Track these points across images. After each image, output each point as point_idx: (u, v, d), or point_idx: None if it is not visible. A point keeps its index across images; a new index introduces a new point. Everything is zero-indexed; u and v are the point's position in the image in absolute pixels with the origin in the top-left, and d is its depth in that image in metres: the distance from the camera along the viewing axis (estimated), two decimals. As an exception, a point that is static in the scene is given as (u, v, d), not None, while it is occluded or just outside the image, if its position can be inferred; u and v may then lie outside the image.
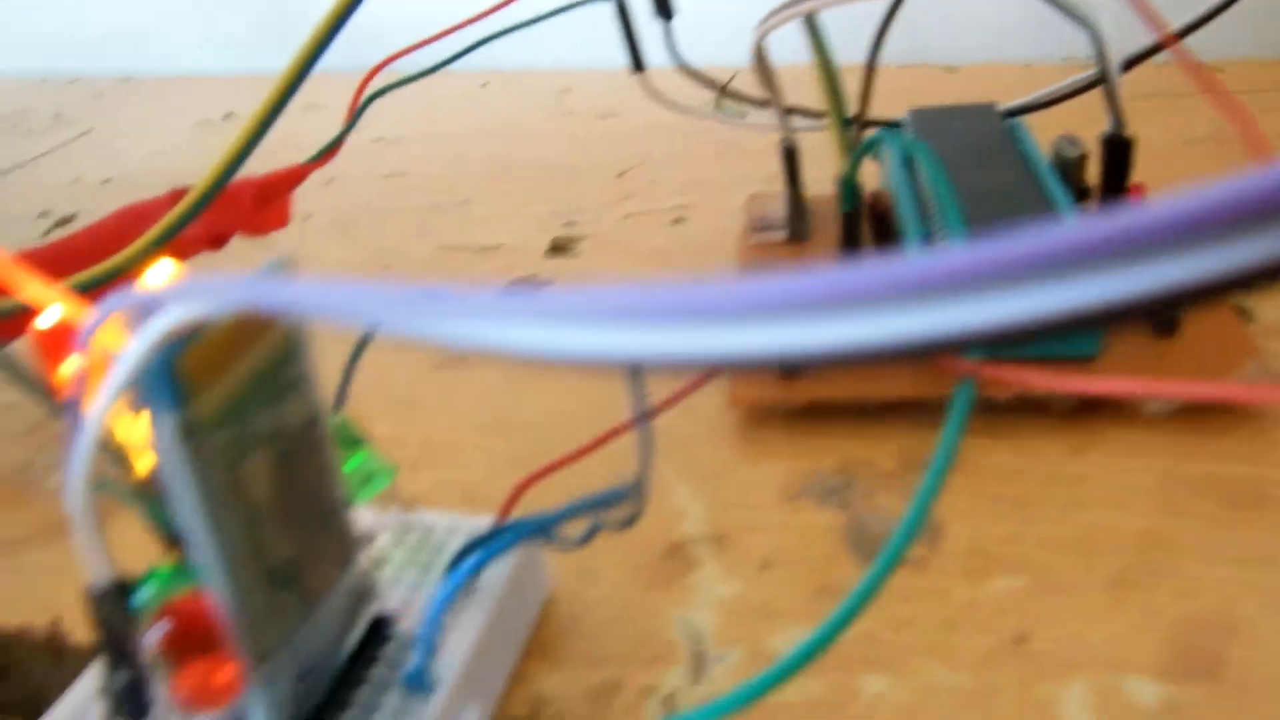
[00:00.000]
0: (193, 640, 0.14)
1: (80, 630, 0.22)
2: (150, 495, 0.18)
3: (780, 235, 0.32)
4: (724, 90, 0.44)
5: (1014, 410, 0.24)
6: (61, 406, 0.17)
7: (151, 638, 0.14)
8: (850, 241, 0.27)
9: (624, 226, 0.37)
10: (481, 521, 0.20)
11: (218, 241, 0.29)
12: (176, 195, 0.29)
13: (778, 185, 0.32)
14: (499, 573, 0.19)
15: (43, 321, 0.18)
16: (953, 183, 0.26)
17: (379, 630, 0.17)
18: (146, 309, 0.12)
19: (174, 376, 0.12)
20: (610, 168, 0.42)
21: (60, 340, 0.18)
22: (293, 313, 0.11)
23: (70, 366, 0.18)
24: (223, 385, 0.13)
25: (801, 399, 0.25)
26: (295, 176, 0.30)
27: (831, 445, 0.24)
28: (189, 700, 0.14)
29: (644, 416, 0.19)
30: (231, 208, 0.28)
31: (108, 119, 0.56)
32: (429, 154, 0.45)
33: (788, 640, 0.19)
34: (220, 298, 0.11)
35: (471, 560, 0.16)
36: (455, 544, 0.20)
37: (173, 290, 0.12)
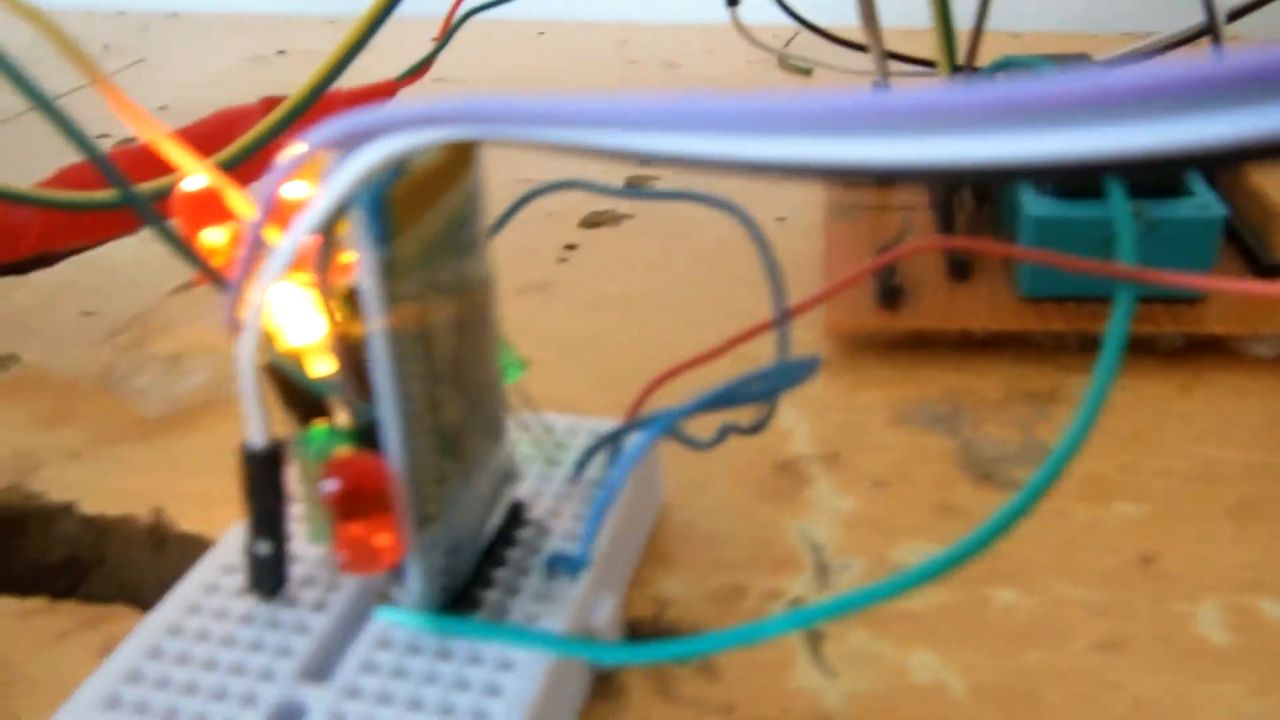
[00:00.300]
0: (357, 500, 0.14)
1: (184, 520, 0.22)
2: (302, 364, 0.17)
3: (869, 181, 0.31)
4: (788, 45, 0.44)
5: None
6: (210, 269, 0.17)
7: (322, 490, 0.14)
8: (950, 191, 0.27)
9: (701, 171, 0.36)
10: (601, 423, 0.20)
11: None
12: (270, 103, 0.28)
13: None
14: (621, 475, 0.19)
15: (189, 186, 0.18)
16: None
17: (516, 514, 0.17)
18: (359, 136, 0.12)
19: (384, 208, 0.12)
20: (678, 114, 0.41)
21: (204, 208, 0.18)
22: (515, 128, 0.11)
23: (213, 234, 0.18)
24: (422, 228, 0.13)
25: (900, 329, 0.25)
26: (385, 92, 0.30)
27: (933, 376, 0.24)
28: (348, 560, 0.14)
29: (784, 316, 0.18)
30: (324, 118, 0.28)
31: (157, 51, 0.55)
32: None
33: (911, 553, 0.19)
34: (440, 120, 0.11)
35: (640, 439, 0.15)
36: (578, 443, 0.20)
37: (387, 118, 0.12)
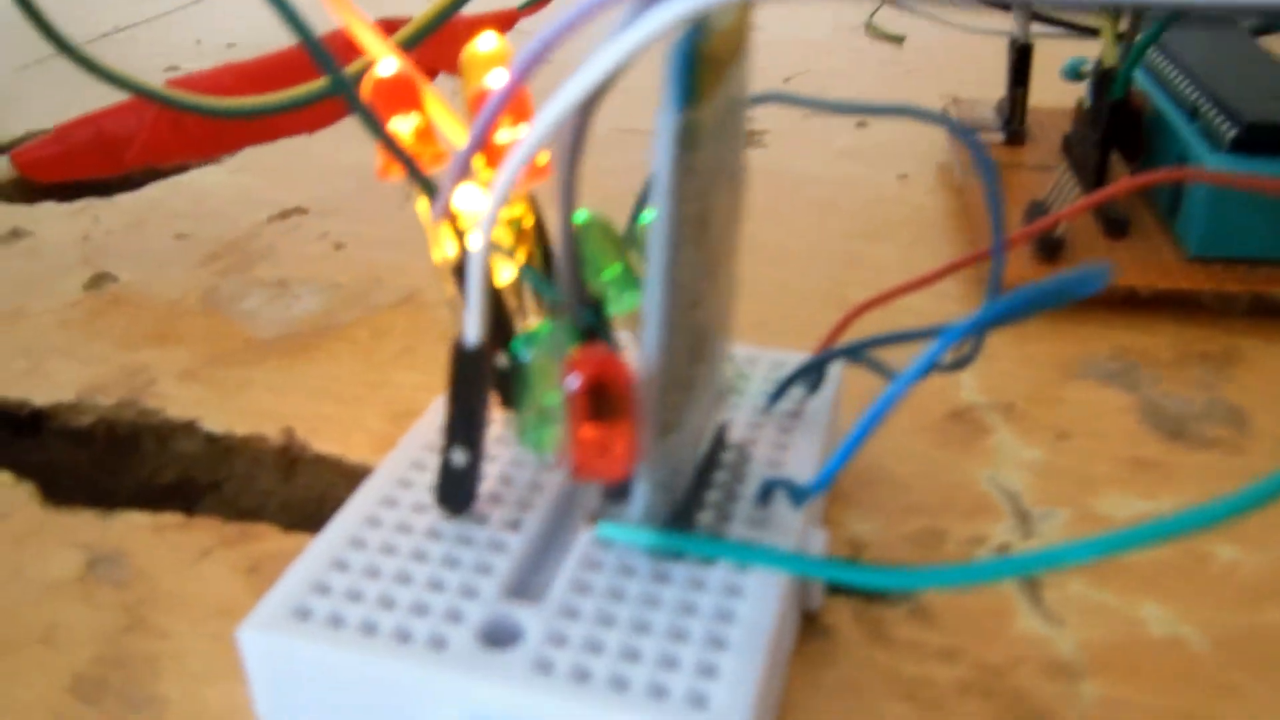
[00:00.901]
0: (602, 398, 0.13)
1: (318, 442, 0.20)
2: (536, 260, 0.16)
3: (997, 136, 0.30)
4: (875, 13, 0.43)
5: (1293, 313, 0.23)
6: (407, 158, 0.15)
7: (565, 386, 0.12)
8: (1111, 131, 0.25)
9: (806, 126, 0.35)
10: (782, 355, 0.19)
11: (429, 74, 0.27)
12: (389, 25, 0.27)
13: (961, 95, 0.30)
14: (822, 403, 0.18)
15: (382, 70, 0.16)
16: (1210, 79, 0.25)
17: (720, 438, 0.16)
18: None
19: (693, 66, 0.11)
20: (774, 72, 0.40)
21: (396, 93, 0.16)
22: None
23: (403, 122, 0.16)
24: (717, 100, 0.11)
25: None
26: (506, 21, 0.28)
27: (1097, 333, 0.23)
28: (581, 464, 0.13)
29: (1000, 248, 0.17)
30: (445, 43, 0.27)
31: (218, -9, 0.54)
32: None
33: (1115, 505, 0.18)
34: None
35: (921, 363, 0.14)
36: (759, 373, 0.18)
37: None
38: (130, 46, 0.46)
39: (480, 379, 0.14)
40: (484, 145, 0.16)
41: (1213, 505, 0.11)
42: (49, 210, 0.30)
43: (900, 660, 0.15)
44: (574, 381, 0.12)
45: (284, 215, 0.30)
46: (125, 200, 0.31)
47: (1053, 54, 0.32)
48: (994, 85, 0.33)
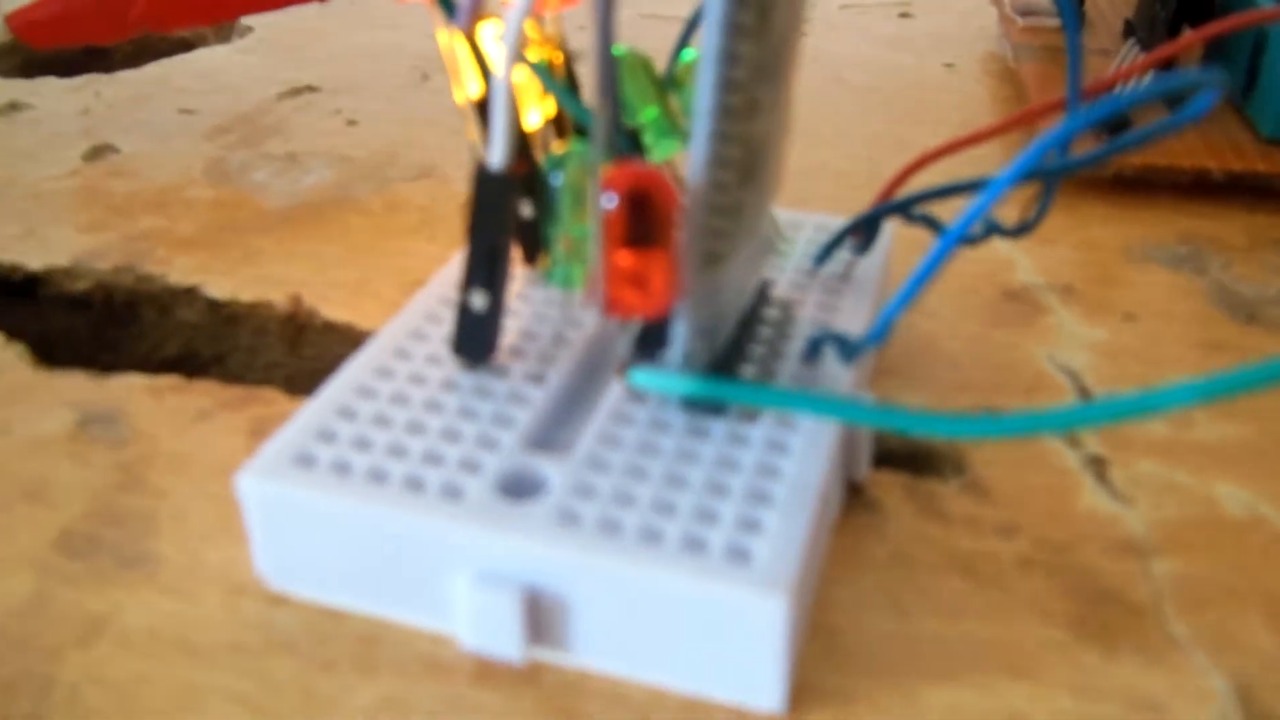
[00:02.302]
0: (641, 219, 0.11)
1: (328, 309, 0.19)
2: (567, 80, 0.15)
3: (1052, 21, 0.28)
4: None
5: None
6: None
7: (601, 204, 0.11)
8: (1187, 5, 0.23)
9: (845, 15, 0.33)
10: (825, 218, 0.17)
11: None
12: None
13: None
14: (873, 262, 0.16)
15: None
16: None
17: (764, 293, 0.15)
18: None
19: None
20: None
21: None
22: None
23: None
24: None
25: (1131, 163, 0.22)
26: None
27: (1162, 218, 0.21)
28: (614, 298, 0.12)
29: (1076, 93, 0.16)
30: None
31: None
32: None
33: (1186, 385, 0.17)
34: None
35: (996, 183, 0.12)
36: (803, 236, 0.17)
37: None
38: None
39: (505, 209, 0.13)
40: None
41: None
42: (48, 84, 0.29)
43: (955, 535, 0.14)
44: (610, 198, 0.11)
45: (295, 92, 0.28)
46: (128, 75, 0.29)
47: (1113, -61, 0.30)
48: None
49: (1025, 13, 0.29)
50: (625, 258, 0.11)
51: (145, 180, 0.24)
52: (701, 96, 0.11)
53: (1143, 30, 0.26)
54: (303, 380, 0.18)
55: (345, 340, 0.19)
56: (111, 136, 0.26)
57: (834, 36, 0.31)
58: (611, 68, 0.11)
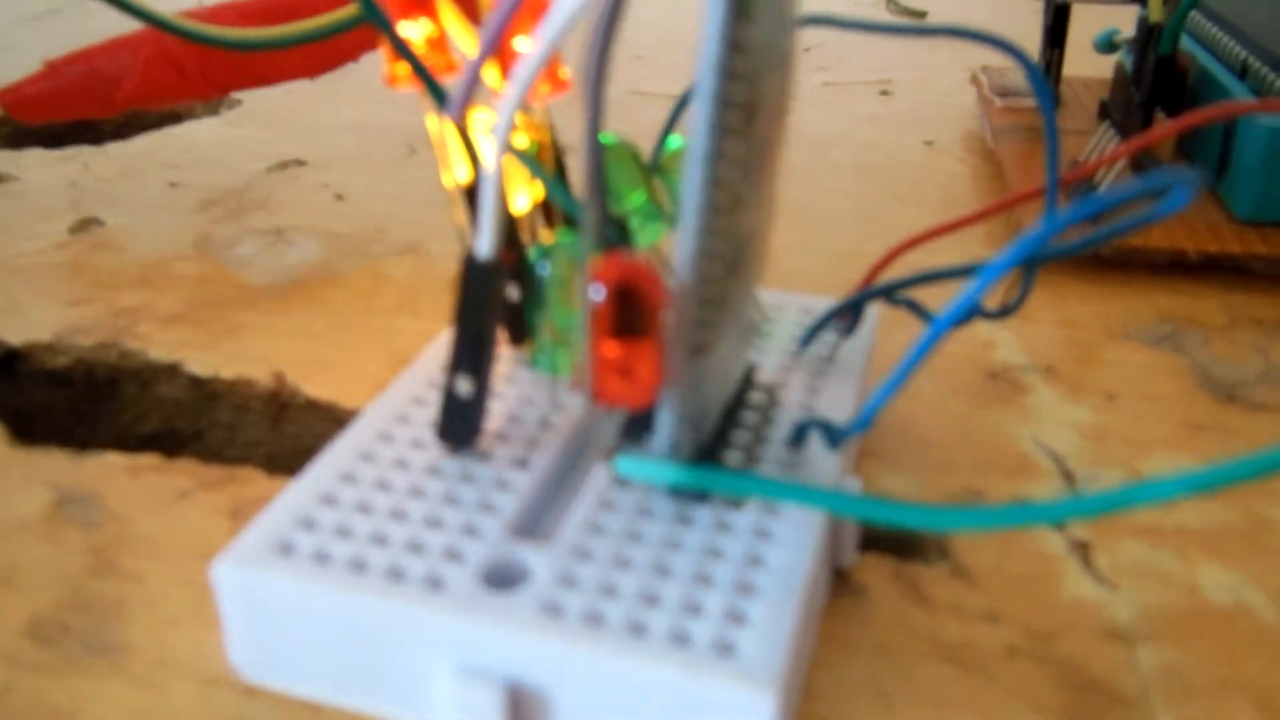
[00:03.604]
0: (628, 310, 0.11)
1: (311, 387, 0.19)
2: (554, 172, 0.15)
3: (1029, 101, 0.29)
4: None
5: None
6: (415, 60, 0.14)
7: (589, 296, 0.11)
8: (1157, 89, 0.24)
9: (827, 94, 0.34)
10: (811, 299, 0.18)
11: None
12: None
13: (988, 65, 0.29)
14: (858, 346, 0.16)
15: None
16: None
17: (749, 377, 0.15)
18: None
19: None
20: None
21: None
22: None
23: (413, 29, 0.15)
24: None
25: (1106, 246, 0.22)
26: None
27: (1141, 295, 0.22)
28: (601, 387, 0.12)
29: (1055, 184, 0.16)
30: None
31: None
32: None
33: (1169, 467, 0.17)
34: None
35: (961, 305, 0.12)
36: (788, 318, 0.17)
37: None
38: None
39: (491, 297, 0.13)
40: (498, 51, 0.15)
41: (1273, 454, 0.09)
42: (37, 156, 0.29)
43: (940, 622, 0.14)
44: (597, 290, 0.11)
45: (282, 166, 0.28)
46: (116, 148, 0.30)
47: (1083, 26, 0.31)
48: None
49: (1003, 94, 0.30)
50: (612, 348, 0.11)
51: (131, 254, 0.24)
52: (688, 194, 0.11)
53: (1118, 113, 0.26)
54: (284, 459, 0.18)
55: (328, 418, 0.18)
56: (99, 209, 0.26)
57: (816, 114, 0.32)
58: (600, 161, 0.12)
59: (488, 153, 0.12)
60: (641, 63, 0.37)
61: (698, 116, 0.10)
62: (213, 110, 0.32)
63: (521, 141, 0.14)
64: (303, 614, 0.12)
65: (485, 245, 0.12)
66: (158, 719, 0.12)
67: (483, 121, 0.14)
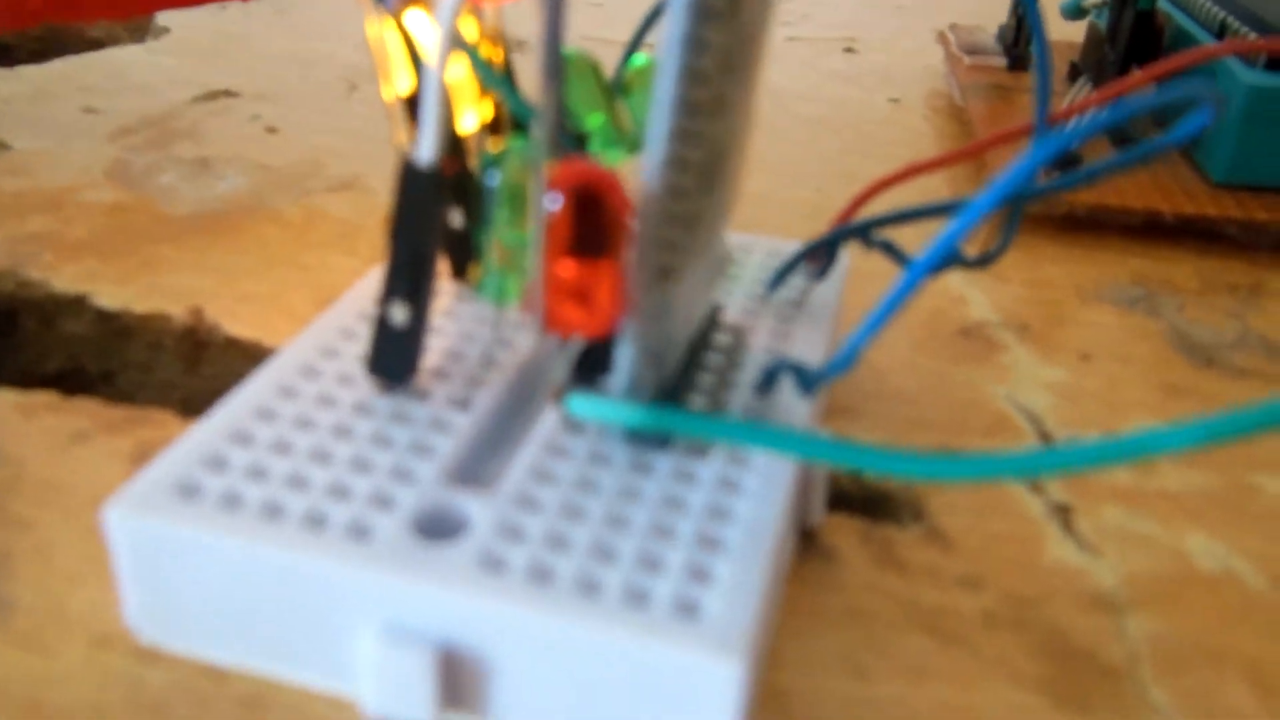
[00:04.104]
0: (587, 223, 0.10)
1: (233, 324, 0.17)
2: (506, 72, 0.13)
3: (999, 61, 0.28)
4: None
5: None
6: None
7: (545, 205, 0.10)
8: (1135, 46, 0.23)
9: (791, 48, 0.32)
10: (779, 242, 0.16)
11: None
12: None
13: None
14: (829, 289, 0.15)
15: None
16: None
17: (715, 318, 0.13)
18: None
19: None
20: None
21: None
22: None
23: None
24: None
25: (1082, 203, 0.21)
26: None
27: (1114, 259, 0.21)
28: (554, 313, 0.10)
29: (1045, 103, 0.15)
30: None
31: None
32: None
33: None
34: None
35: (935, 253, 0.11)
36: (754, 260, 0.16)
37: None
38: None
39: (432, 210, 0.11)
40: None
41: (1258, 411, 0.08)
42: (-61, 76, 0.27)
43: (915, 587, 0.13)
44: (554, 199, 0.10)
45: (211, 96, 0.26)
46: (29, 71, 0.27)
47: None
48: (995, 15, 0.31)
49: (971, 51, 0.29)
50: (568, 268, 0.10)
51: (38, 180, 0.22)
52: (662, 88, 0.09)
53: (1090, 72, 0.25)
54: (200, 402, 0.16)
55: (250, 359, 0.17)
56: (5, 133, 0.24)
57: (780, 67, 0.31)
58: (558, 55, 0.10)
59: (432, 51, 0.11)
60: (600, 10, 0.35)
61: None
62: (138, 37, 0.30)
63: (469, 33, 0.13)
64: (207, 565, 0.11)
65: (427, 150, 0.11)
66: (42, 683, 0.11)
67: (426, 20, 0.13)
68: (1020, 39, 0.28)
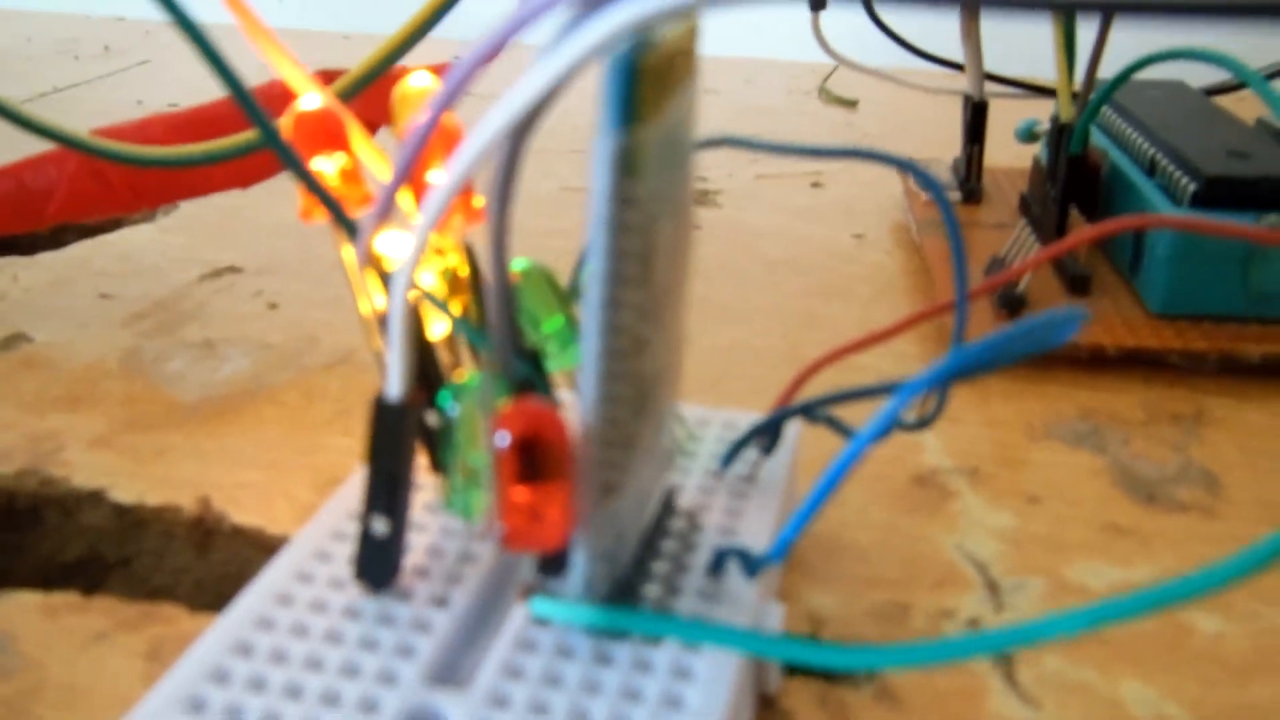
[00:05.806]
0: (534, 457, 0.11)
1: (238, 513, 0.19)
2: (473, 314, 0.15)
3: (954, 195, 0.30)
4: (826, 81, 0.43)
5: (1260, 372, 0.22)
6: (332, 201, 0.14)
7: (494, 443, 0.11)
8: (1070, 187, 0.25)
9: (760, 186, 0.34)
10: (735, 415, 0.18)
11: (370, 128, 0.26)
12: (328, 75, 0.26)
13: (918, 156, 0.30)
14: (778, 466, 0.16)
15: (305, 105, 0.15)
16: (1168, 137, 0.24)
17: (669, 503, 0.15)
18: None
19: (633, 82, 0.10)
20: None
21: (320, 130, 0.15)
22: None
23: (323, 163, 0.15)
24: (659, 123, 0.10)
25: (1024, 344, 0.23)
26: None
27: (1063, 393, 0.22)
28: (511, 532, 0.12)
29: (964, 295, 0.16)
30: (386, 96, 0.26)
31: (162, 53, 0.53)
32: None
33: (1090, 574, 0.17)
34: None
35: (880, 422, 0.12)
36: (711, 434, 0.17)
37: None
38: (71, 104, 0.45)
39: (404, 438, 0.13)
40: (411, 181, 0.15)
41: (1193, 577, 0.10)
42: (-35, 269, 0.29)
43: (867, 748, 0.14)
44: (503, 437, 0.11)
45: (216, 274, 0.28)
46: (48, 259, 0.29)
47: (1006, 115, 0.32)
48: (949, 148, 0.33)
49: (927, 187, 0.30)
50: (521, 493, 0.12)
51: (57, 372, 0.23)
52: (588, 341, 0.11)
53: (1036, 206, 0.27)
54: (210, 587, 0.18)
55: (255, 545, 0.18)
56: (26, 324, 0.26)
57: (750, 206, 0.33)
58: (506, 302, 0.12)
59: (395, 292, 0.12)
60: (580, 156, 0.37)
61: (594, 268, 0.11)
62: (149, 216, 0.32)
63: (432, 275, 0.14)
64: (212, 776, 0.12)
65: (395, 387, 0.12)
66: None
67: (393, 250, 0.14)
68: (972, 172, 0.30)
